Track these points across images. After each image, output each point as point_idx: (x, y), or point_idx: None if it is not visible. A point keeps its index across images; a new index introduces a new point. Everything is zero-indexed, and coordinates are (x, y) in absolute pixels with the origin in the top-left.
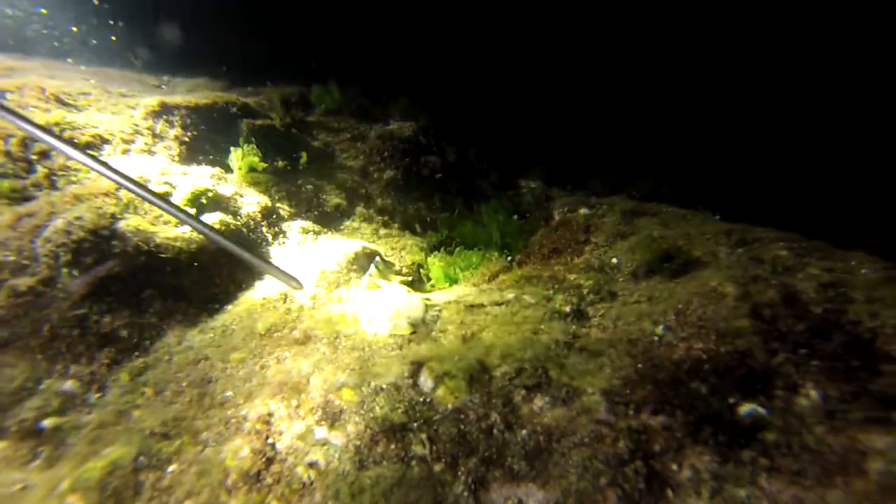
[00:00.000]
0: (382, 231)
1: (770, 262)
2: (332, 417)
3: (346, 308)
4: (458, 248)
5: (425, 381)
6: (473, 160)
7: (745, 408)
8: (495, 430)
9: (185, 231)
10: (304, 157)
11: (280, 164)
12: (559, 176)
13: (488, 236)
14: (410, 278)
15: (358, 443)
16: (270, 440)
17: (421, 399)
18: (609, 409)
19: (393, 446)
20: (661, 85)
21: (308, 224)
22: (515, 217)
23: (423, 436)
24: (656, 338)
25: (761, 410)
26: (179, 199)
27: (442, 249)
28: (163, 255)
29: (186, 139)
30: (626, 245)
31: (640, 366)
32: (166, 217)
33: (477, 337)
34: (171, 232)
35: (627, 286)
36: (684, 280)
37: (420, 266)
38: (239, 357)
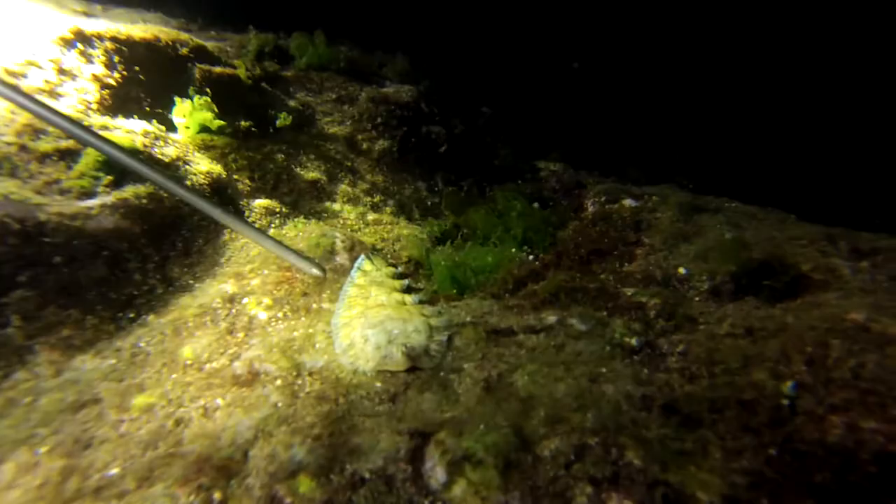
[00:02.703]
0: (371, 216)
1: None
2: None
3: (316, 327)
4: (468, 244)
5: (434, 467)
6: (484, 135)
7: None
8: None
9: (92, 203)
10: (283, 118)
11: (243, 124)
12: (586, 160)
13: (504, 227)
14: (406, 281)
15: None
16: None
17: (426, 502)
18: None
19: None
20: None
21: (274, 204)
22: (537, 206)
23: None
24: (785, 402)
25: None
26: (93, 159)
27: (448, 244)
28: (49, 239)
29: (112, 82)
30: (692, 249)
31: (771, 452)
32: (68, 183)
33: (507, 383)
34: (71, 206)
35: (709, 309)
36: (796, 307)
37: (419, 265)
38: (145, 403)
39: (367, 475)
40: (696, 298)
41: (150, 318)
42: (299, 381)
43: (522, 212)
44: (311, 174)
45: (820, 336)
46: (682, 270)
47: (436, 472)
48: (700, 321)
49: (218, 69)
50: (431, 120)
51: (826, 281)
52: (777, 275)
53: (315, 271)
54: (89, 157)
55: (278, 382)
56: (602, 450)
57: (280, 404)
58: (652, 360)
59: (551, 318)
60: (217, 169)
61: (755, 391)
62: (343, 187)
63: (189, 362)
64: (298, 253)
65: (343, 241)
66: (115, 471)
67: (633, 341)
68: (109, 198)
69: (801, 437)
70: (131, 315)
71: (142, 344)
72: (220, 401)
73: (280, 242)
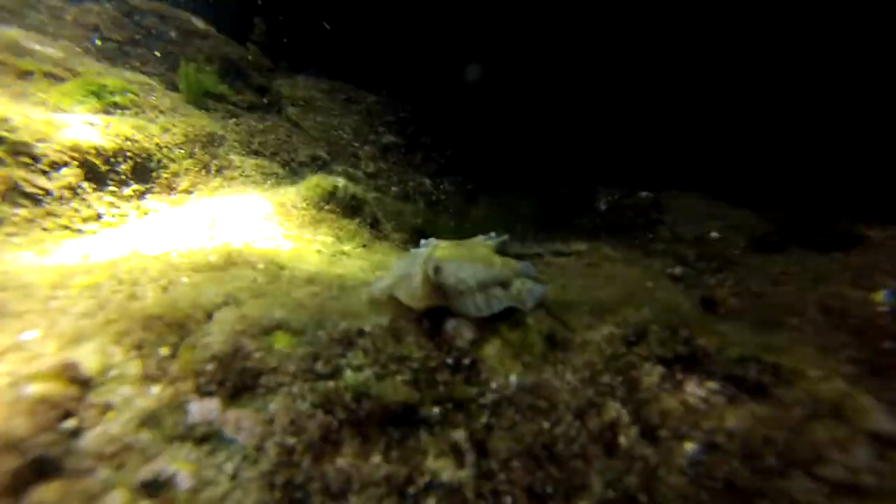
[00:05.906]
0: (372, 194)
1: None
2: (237, 382)
3: (311, 247)
4: (473, 225)
5: (459, 326)
6: (494, 148)
7: None
8: (622, 439)
9: (70, 119)
10: (287, 95)
11: (247, 97)
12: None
13: (512, 219)
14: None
15: (291, 441)
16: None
17: (450, 360)
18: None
19: (377, 460)
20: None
21: (272, 166)
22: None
23: (461, 434)
24: (882, 308)
25: None
26: (80, 85)
27: (453, 222)
28: (10, 136)
29: (117, 38)
30: (719, 224)
31: (885, 345)
32: (44, 97)
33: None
34: (44, 115)
35: (749, 258)
36: (856, 252)
37: (422, 235)
38: (90, 283)
39: (369, 328)
40: (736, 251)
41: (116, 233)
42: (285, 272)
43: (532, 209)
44: (313, 150)
45: None
46: (713, 234)
47: (461, 330)
48: (742, 264)
49: (228, 49)
50: (443, 129)
51: (881, 236)
52: (829, 223)
53: None
54: (76, 83)
55: (261, 266)
56: (668, 333)
57: (260, 280)
58: (698, 288)
59: (581, 245)
60: (215, 127)
61: (838, 300)
62: (344, 167)
63: (155, 254)
64: None
65: (345, 186)
66: (33, 335)
67: (677, 271)
68: (90, 118)
69: None
70: (94, 229)
71: (98, 249)
72: (185, 279)
73: None
